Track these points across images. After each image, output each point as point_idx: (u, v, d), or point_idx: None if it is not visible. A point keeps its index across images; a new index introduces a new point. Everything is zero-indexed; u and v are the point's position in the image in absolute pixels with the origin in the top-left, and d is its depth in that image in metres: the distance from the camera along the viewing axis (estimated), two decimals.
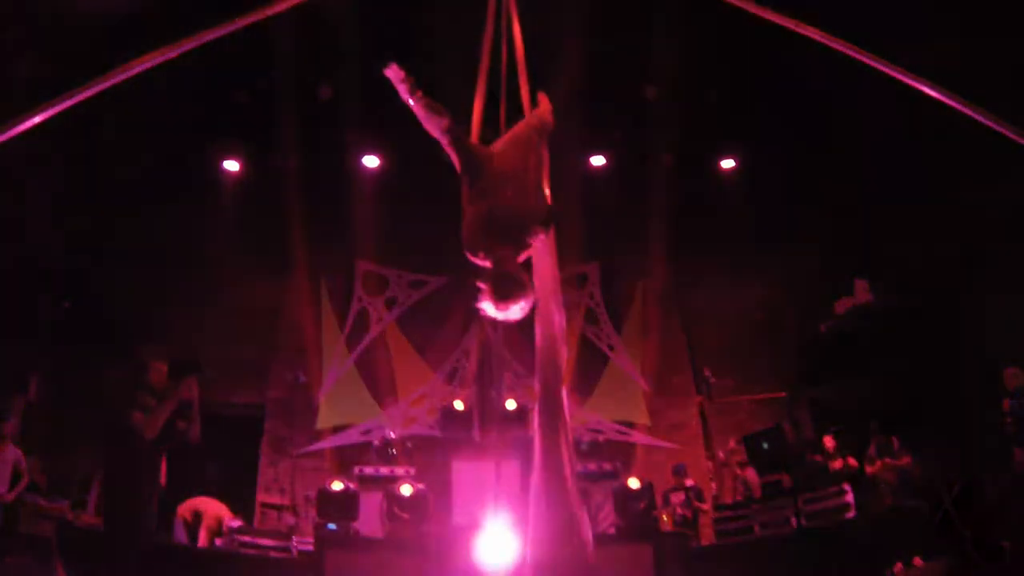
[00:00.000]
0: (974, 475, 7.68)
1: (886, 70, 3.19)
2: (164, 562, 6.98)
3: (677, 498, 9.18)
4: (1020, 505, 6.89)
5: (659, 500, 9.08)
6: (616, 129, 11.25)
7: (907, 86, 3.18)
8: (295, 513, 9.15)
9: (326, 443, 10.76)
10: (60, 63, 7.43)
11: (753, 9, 3.48)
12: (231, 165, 11.11)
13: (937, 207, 8.73)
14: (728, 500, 9.48)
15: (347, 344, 11.37)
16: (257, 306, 11.22)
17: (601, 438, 10.47)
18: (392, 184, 11.29)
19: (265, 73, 9.79)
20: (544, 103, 3.88)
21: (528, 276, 3.17)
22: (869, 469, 8.37)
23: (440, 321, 11.49)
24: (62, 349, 9.51)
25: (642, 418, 11.21)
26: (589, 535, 3.20)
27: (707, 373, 10.35)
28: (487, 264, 3.13)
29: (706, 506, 9.30)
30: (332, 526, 8.21)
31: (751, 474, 9.12)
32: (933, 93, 3.13)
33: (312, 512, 8.67)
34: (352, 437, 10.81)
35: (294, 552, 7.92)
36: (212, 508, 8.19)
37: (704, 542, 8.99)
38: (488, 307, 3.05)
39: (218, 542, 7.88)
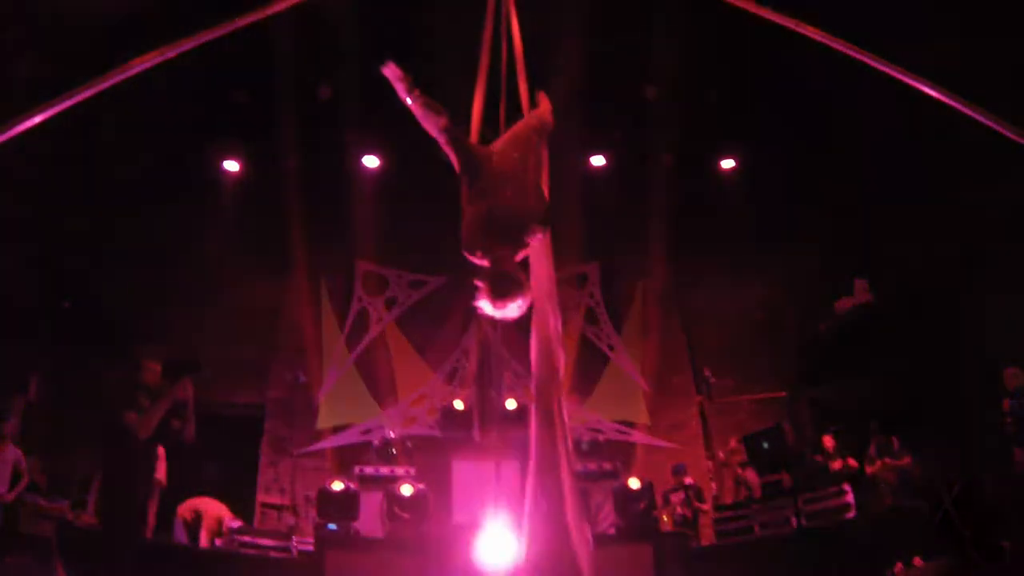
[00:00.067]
0: (974, 475, 7.68)
1: (886, 70, 3.19)
2: (164, 562, 6.99)
3: (677, 498, 9.18)
4: (1020, 505, 6.89)
5: (659, 500, 9.08)
6: (616, 129, 11.25)
7: (907, 86, 3.18)
8: (295, 513, 9.16)
9: (326, 443, 10.76)
10: (60, 63, 7.44)
11: (753, 9, 3.48)
12: (231, 165, 11.11)
13: (937, 207, 8.73)
14: (728, 500, 9.48)
15: (347, 344, 11.36)
16: (257, 306, 11.22)
17: (601, 438, 10.47)
18: (392, 184, 11.28)
19: (265, 73, 9.78)
20: (544, 103, 3.88)
21: (526, 275, 3.18)
22: (869, 469, 8.37)
23: (440, 321, 11.48)
24: (62, 349, 9.51)
25: (642, 418, 11.21)
26: (584, 540, 3.20)
27: (707, 373, 10.34)
28: (485, 263, 3.14)
29: (706, 506, 9.30)
30: (332, 526, 8.21)
31: (751, 474, 9.12)
32: (933, 93, 3.13)
33: (312, 512, 8.67)
34: (352, 437, 10.81)
35: (294, 552, 7.92)
36: (212, 508, 8.19)
37: (704, 542, 8.99)
38: (485, 305, 3.06)
39: (218, 542, 7.88)
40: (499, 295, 3.03)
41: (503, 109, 3.87)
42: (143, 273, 9.94)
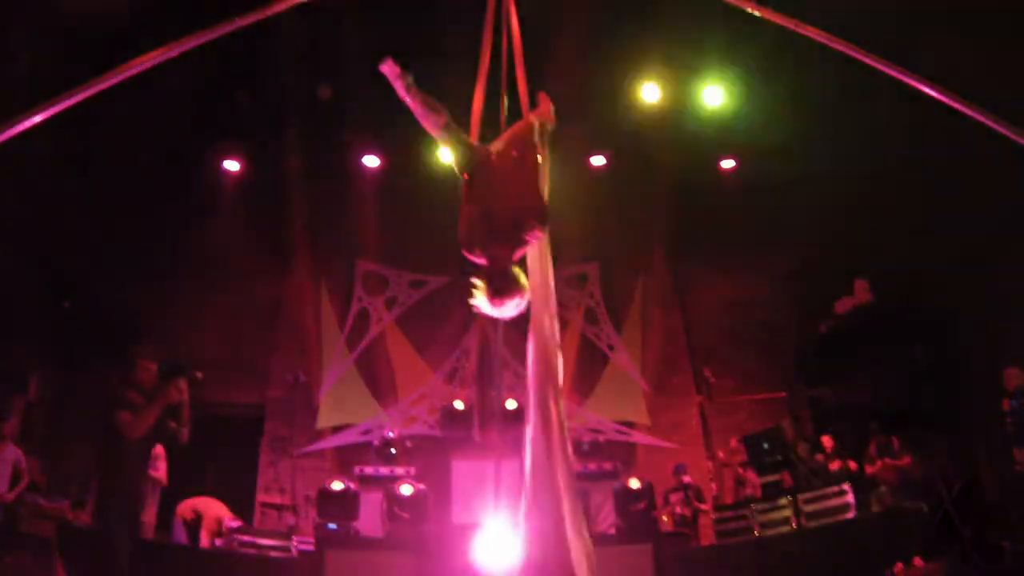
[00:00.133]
0: (974, 475, 7.69)
1: (886, 70, 3.19)
2: (164, 562, 7.00)
3: (677, 498, 9.19)
4: (1020, 505, 6.90)
5: (659, 500, 9.08)
6: (615, 129, 11.24)
7: (907, 86, 3.18)
8: (295, 513, 9.16)
9: (326, 443, 10.76)
10: (60, 63, 7.44)
11: (753, 9, 3.48)
12: (231, 165, 11.11)
13: (937, 207, 8.72)
14: (728, 500, 9.48)
15: (347, 344, 11.36)
16: (257, 306, 11.22)
17: (601, 438, 10.45)
18: (392, 184, 11.29)
19: (265, 73, 9.79)
20: (545, 103, 3.88)
21: (524, 274, 3.18)
22: (869, 469, 8.37)
23: (440, 321, 11.48)
24: (62, 349, 9.51)
25: (642, 418, 11.21)
26: (582, 541, 3.19)
27: (707, 373, 10.34)
28: (483, 261, 3.14)
29: (706, 506, 9.30)
30: (332, 526, 8.21)
31: (751, 474, 9.12)
32: (933, 93, 3.13)
33: (312, 512, 8.67)
34: (352, 437, 10.81)
35: (294, 552, 7.92)
36: (212, 508, 8.19)
37: (704, 542, 8.98)
38: (483, 304, 3.06)
39: (218, 542, 7.88)
40: (497, 293, 3.04)
41: (503, 109, 3.87)
42: (143, 273, 9.94)
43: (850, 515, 7.36)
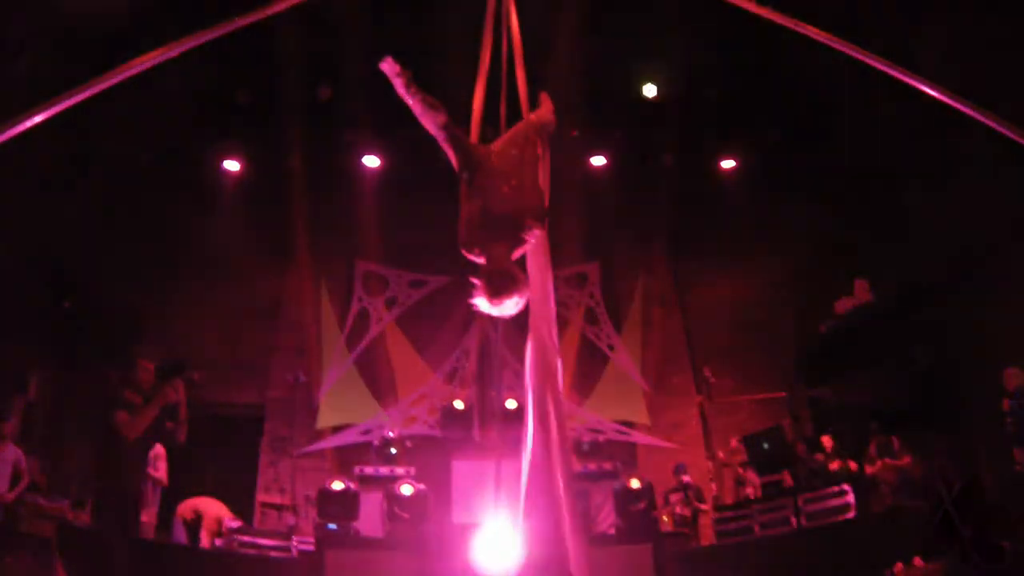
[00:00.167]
0: (974, 475, 7.68)
1: (886, 70, 3.19)
2: (164, 562, 7.00)
3: (677, 498, 9.19)
4: (1020, 505, 6.89)
5: (659, 500, 9.08)
6: (616, 129, 11.24)
7: (908, 86, 3.18)
8: (295, 513, 9.16)
9: (326, 443, 10.76)
10: (60, 63, 7.44)
11: (753, 9, 3.48)
12: (232, 165, 11.10)
13: (937, 207, 8.72)
14: (728, 500, 9.48)
15: (347, 344, 11.36)
16: (257, 306, 11.22)
17: (601, 438, 10.46)
18: (392, 184, 11.29)
19: (266, 73, 9.79)
20: (546, 103, 3.89)
21: (523, 272, 3.18)
22: (869, 469, 8.36)
23: (440, 321, 11.48)
24: (62, 349, 9.51)
25: (642, 418, 11.21)
26: (580, 541, 3.19)
27: (707, 373, 10.33)
28: (482, 260, 3.14)
29: (706, 506, 9.30)
30: (332, 526, 8.21)
31: (751, 474, 9.12)
32: (933, 93, 3.13)
33: (312, 512, 8.67)
34: (352, 437, 10.81)
35: (294, 552, 7.92)
36: (212, 508, 8.19)
37: (704, 542, 8.99)
38: (482, 303, 3.07)
39: (218, 542, 7.88)
40: (495, 292, 3.04)
41: (503, 108, 3.87)
42: (143, 273, 9.94)
43: (850, 515, 7.36)
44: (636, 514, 8.54)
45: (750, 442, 9.32)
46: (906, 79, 3.16)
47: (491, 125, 3.74)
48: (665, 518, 8.98)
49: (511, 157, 3.40)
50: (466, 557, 6.99)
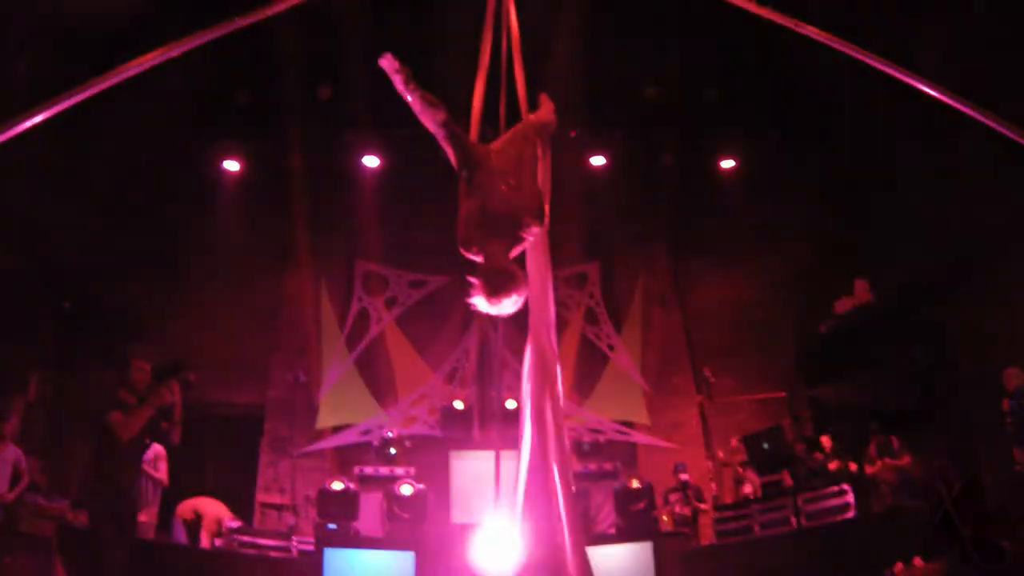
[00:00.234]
0: (974, 475, 7.68)
1: (886, 70, 3.19)
2: (164, 562, 7.00)
3: (676, 498, 9.19)
4: (1020, 505, 6.89)
5: (659, 500, 9.08)
6: (616, 129, 11.24)
7: (908, 85, 3.18)
8: (295, 513, 9.15)
9: (326, 443, 10.76)
10: (60, 63, 7.44)
11: (753, 9, 3.48)
12: (231, 165, 11.10)
13: (937, 207, 8.72)
14: (728, 500, 9.48)
15: (347, 344, 11.36)
16: (257, 306, 11.22)
17: (601, 438, 10.46)
18: (392, 184, 11.28)
19: (265, 73, 9.79)
20: (546, 104, 3.89)
21: (520, 270, 3.17)
22: (869, 469, 8.36)
23: (440, 321, 11.48)
24: (62, 349, 9.51)
25: (642, 418, 11.21)
26: (577, 542, 3.19)
27: (707, 373, 10.33)
28: (479, 259, 3.14)
29: (706, 506, 9.30)
30: (332, 526, 8.21)
31: (751, 474, 9.12)
32: (933, 93, 3.14)
33: (312, 512, 8.67)
34: (352, 437, 10.81)
35: (294, 552, 7.92)
36: (212, 508, 8.19)
37: (704, 542, 8.98)
38: (480, 302, 3.06)
39: (218, 542, 7.88)
40: (494, 291, 3.04)
41: (503, 108, 3.88)
42: (143, 273, 9.94)
43: (850, 515, 7.35)
44: (636, 514, 8.53)
45: (750, 442, 9.31)
46: (906, 79, 3.16)
47: (491, 126, 3.74)
48: (665, 518, 8.98)
49: (510, 156, 3.40)
50: (466, 557, 7.00)
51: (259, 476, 10.37)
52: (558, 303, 3.63)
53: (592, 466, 9.66)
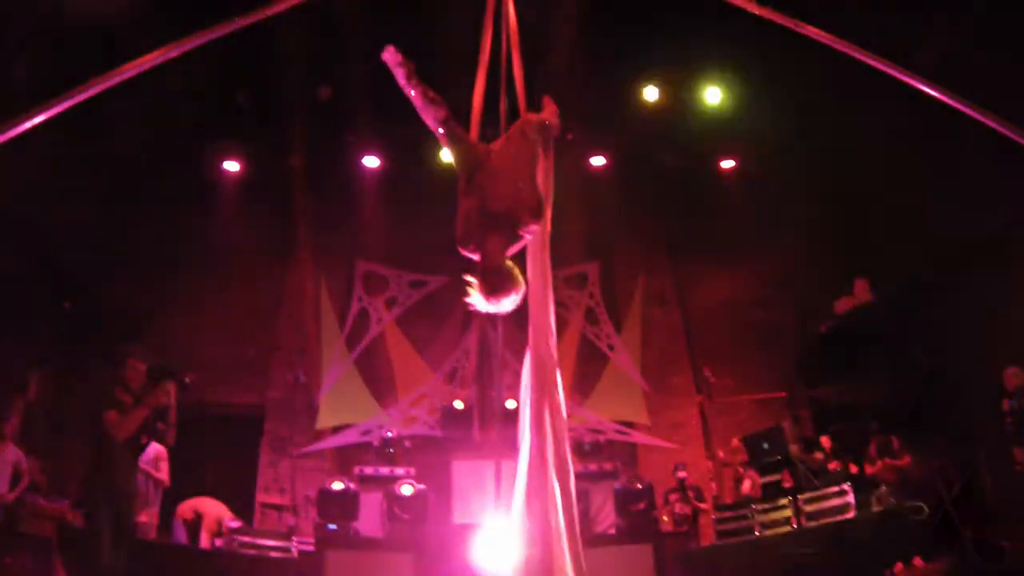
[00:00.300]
0: (974, 475, 7.68)
1: (886, 70, 3.20)
2: (164, 562, 7.00)
3: (677, 498, 9.20)
4: (1020, 505, 6.89)
5: (659, 500, 9.08)
6: (616, 129, 11.24)
7: (907, 85, 3.18)
8: (295, 513, 9.16)
9: (326, 443, 10.76)
10: (60, 63, 7.44)
11: (753, 9, 3.48)
12: (231, 165, 11.10)
13: (937, 206, 8.72)
14: (728, 500, 9.49)
15: (347, 344, 11.36)
16: (257, 306, 11.22)
17: (601, 438, 10.46)
18: (392, 184, 11.29)
19: (265, 73, 9.78)
20: (549, 106, 3.88)
21: (518, 269, 3.17)
22: (869, 469, 8.36)
23: (440, 321, 11.49)
24: (62, 349, 9.51)
25: (642, 418, 11.21)
26: (574, 543, 3.19)
27: (707, 373, 10.34)
28: (477, 257, 3.14)
29: (706, 506, 9.31)
30: (332, 526, 8.21)
31: (751, 474, 9.12)
32: (933, 92, 3.14)
33: (312, 512, 8.67)
34: (352, 437, 10.81)
35: (294, 552, 7.92)
36: (212, 508, 8.19)
37: (704, 542, 8.99)
38: (478, 301, 3.06)
39: (218, 542, 7.88)
40: (492, 290, 3.04)
41: (503, 107, 3.88)
42: (143, 273, 9.94)
43: (850, 515, 7.36)
44: (636, 514, 8.54)
45: (750, 442, 9.32)
46: (906, 79, 3.16)
47: (491, 126, 3.74)
48: (665, 518, 8.99)
49: (510, 155, 3.40)
50: (466, 557, 7.01)
51: (259, 476, 10.37)
52: (558, 303, 3.63)
53: (592, 466, 9.66)
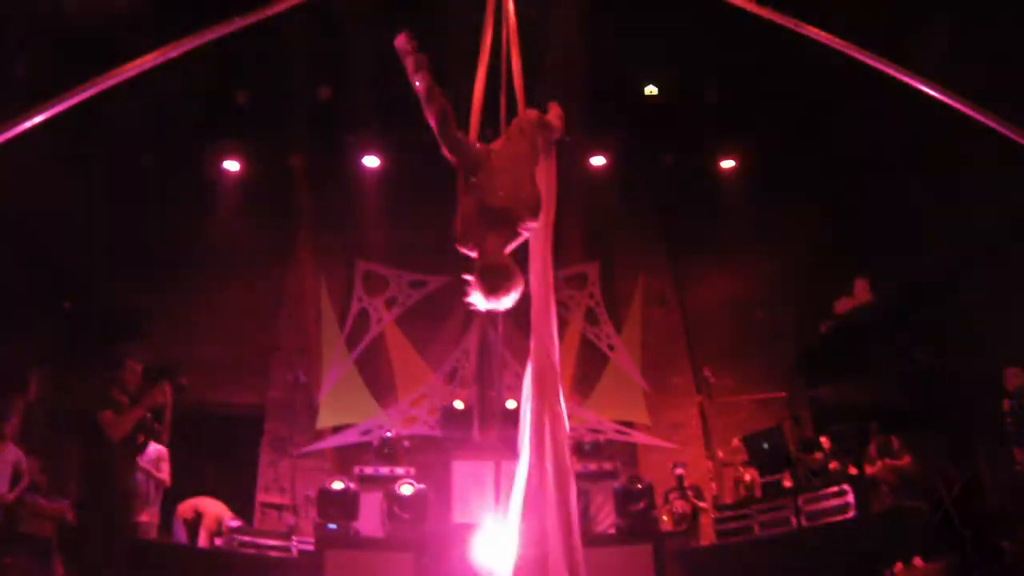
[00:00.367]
0: (974, 475, 7.69)
1: (886, 70, 3.19)
2: (164, 562, 7.00)
3: (676, 496, 9.20)
4: (1020, 505, 6.89)
5: (659, 500, 9.08)
6: (616, 129, 11.24)
7: (907, 85, 3.18)
8: (295, 513, 9.15)
9: (326, 443, 10.76)
10: (60, 63, 7.44)
11: (753, 9, 3.48)
12: (231, 165, 11.10)
13: (937, 207, 8.73)
14: (728, 500, 9.49)
15: (347, 344, 11.36)
16: (257, 306, 11.22)
17: (601, 438, 10.45)
18: (392, 184, 11.28)
19: (265, 73, 9.78)
20: (555, 110, 3.89)
21: (517, 266, 3.17)
22: (869, 469, 8.37)
23: (440, 321, 11.48)
24: (62, 349, 9.51)
25: (642, 418, 11.21)
26: (572, 544, 3.19)
27: (707, 373, 10.34)
28: (474, 255, 3.15)
29: (706, 504, 9.31)
30: (332, 526, 8.21)
31: (752, 474, 9.13)
32: (933, 93, 3.14)
33: (312, 512, 8.66)
34: (352, 437, 10.81)
35: (294, 552, 7.92)
36: (212, 508, 8.19)
37: (704, 542, 8.99)
38: (478, 299, 3.06)
39: (218, 542, 7.88)
40: (491, 288, 3.04)
41: (503, 107, 3.88)
42: (143, 273, 9.94)
43: (850, 515, 7.36)
44: (636, 514, 8.52)
45: (750, 442, 9.33)
46: (906, 79, 3.16)
47: (491, 126, 3.74)
48: (665, 517, 8.98)
49: (509, 154, 3.41)
50: (466, 557, 7.01)
51: (259, 476, 10.37)
52: (558, 303, 3.63)
53: (592, 466, 9.65)
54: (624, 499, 8.68)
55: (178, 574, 7.10)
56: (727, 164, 11.52)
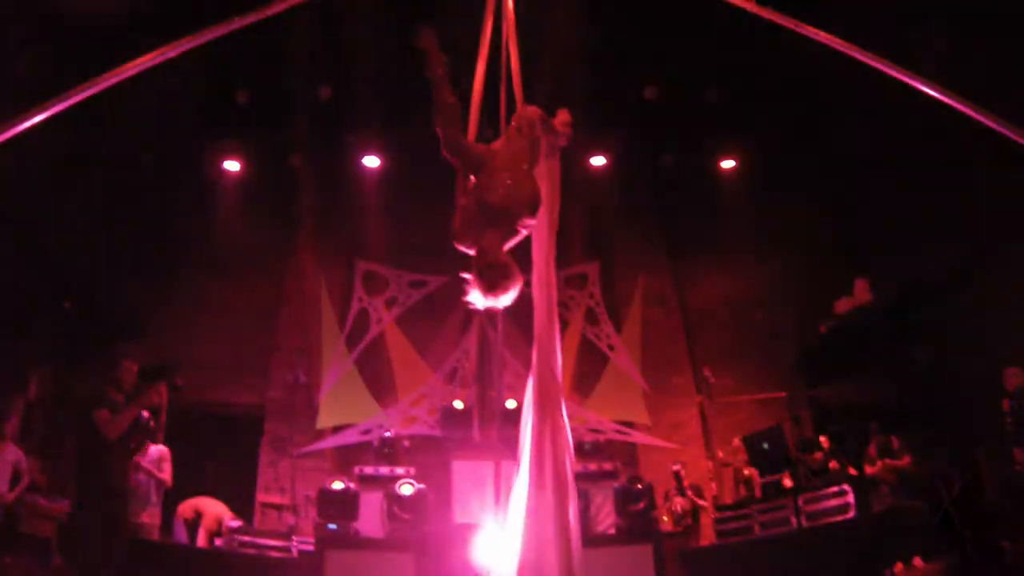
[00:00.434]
0: (974, 475, 7.69)
1: (886, 70, 3.19)
2: (164, 562, 7.00)
3: (675, 494, 9.21)
4: (1020, 505, 6.89)
5: (659, 500, 9.08)
6: (616, 129, 11.24)
7: (907, 85, 3.18)
8: (295, 513, 9.15)
9: (326, 443, 10.75)
10: (60, 63, 7.44)
11: (753, 9, 3.48)
12: (231, 165, 11.10)
13: (937, 207, 8.72)
14: (728, 500, 9.49)
15: (347, 344, 11.36)
16: (257, 306, 11.22)
17: (601, 438, 10.46)
18: (392, 184, 11.29)
19: (265, 73, 9.78)
20: (562, 115, 3.89)
21: (515, 264, 3.17)
22: (869, 469, 8.37)
23: (440, 321, 11.48)
24: (62, 349, 9.51)
25: (642, 418, 11.21)
26: (572, 544, 3.19)
27: (707, 373, 10.34)
28: (472, 252, 3.15)
29: (705, 503, 9.31)
30: (332, 526, 8.21)
31: (752, 474, 9.13)
32: (933, 93, 3.14)
33: (312, 512, 8.67)
34: (352, 437, 10.81)
35: (294, 552, 7.92)
36: (212, 508, 8.19)
37: (704, 542, 8.99)
38: (476, 297, 3.06)
39: (218, 542, 7.88)
40: (490, 287, 3.04)
41: (503, 107, 3.88)
42: (143, 272, 9.94)
43: (850, 515, 7.36)
44: (636, 514, 8.53)
45: (750, 442, 9.33)
46: (906, 79, 3.16)
47: (491, 127, 3.75)
48: (665, 518, 8.98)
49: (508, 153, 3.41)
50: (466, 557, 7.01)
51: (259, 476, 10.36)
52: (558, 303, 3.63)
53: (592, 466, 9.65)
54: (624, 499, 8.68)
55: (178, 574, 7.10)
56: (727, 164, 11.52)
